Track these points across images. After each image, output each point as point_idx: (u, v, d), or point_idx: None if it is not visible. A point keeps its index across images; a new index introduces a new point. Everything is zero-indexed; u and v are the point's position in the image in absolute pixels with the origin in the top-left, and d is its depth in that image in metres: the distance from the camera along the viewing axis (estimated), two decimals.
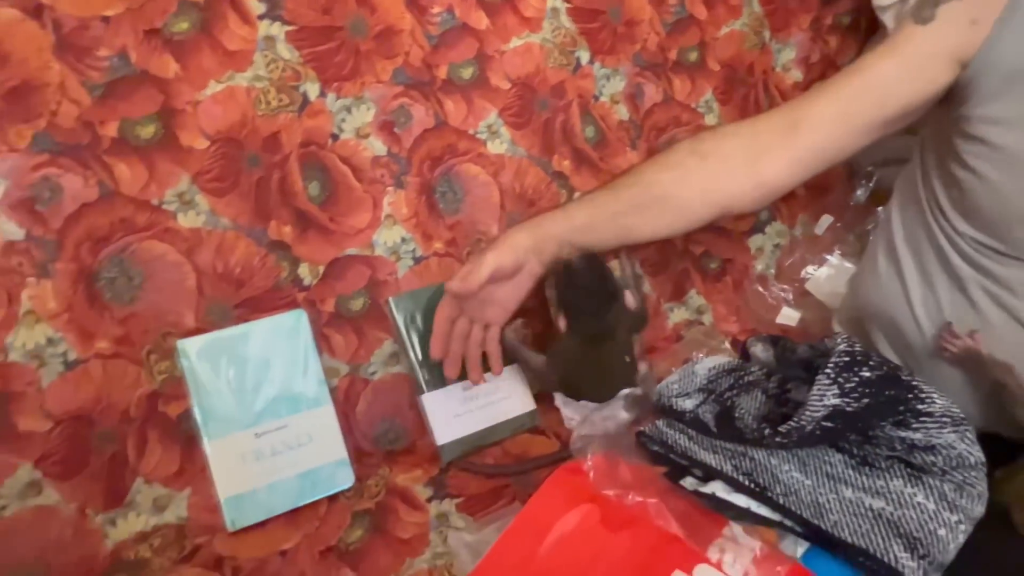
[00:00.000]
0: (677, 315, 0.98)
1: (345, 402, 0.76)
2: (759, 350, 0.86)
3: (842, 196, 1.05)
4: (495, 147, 0.85)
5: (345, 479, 0.72)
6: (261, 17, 0.73)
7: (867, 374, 0.62)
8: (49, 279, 0.64)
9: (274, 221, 0.74)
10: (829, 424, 0.63)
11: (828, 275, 1.04)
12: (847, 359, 0.63)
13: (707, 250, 1.02)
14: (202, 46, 0.70)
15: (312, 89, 0.75)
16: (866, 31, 1.15)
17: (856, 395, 0.61)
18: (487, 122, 0.85)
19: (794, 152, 0.72)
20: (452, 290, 0.69)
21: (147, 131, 0.69)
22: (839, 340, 0.65)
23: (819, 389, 0.62)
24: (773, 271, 1.06)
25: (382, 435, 0.78)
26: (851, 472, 0.66)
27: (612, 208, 0.72)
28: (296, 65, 0.74)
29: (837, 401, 0.62)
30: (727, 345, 0.92)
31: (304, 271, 0.75)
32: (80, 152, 0.66)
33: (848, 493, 0.64)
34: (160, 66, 0.69)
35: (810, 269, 1.04)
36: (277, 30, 0.73)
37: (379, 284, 0.79)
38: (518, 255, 0.71)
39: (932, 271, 0.73)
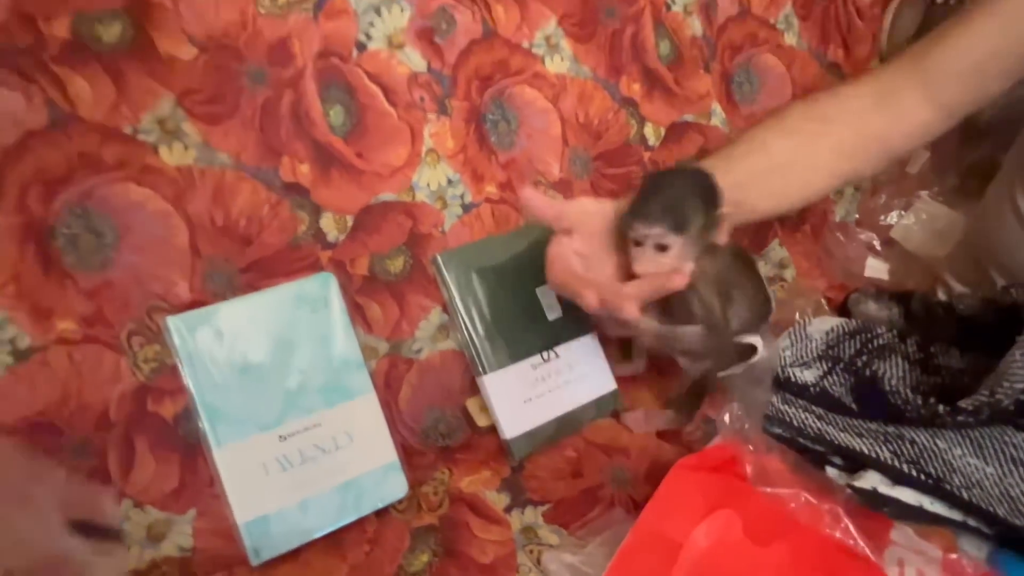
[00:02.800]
0: None
1: (386, 389, 0.60)
2: (872, 308, 0.72)
3: None
4: (554, 65, 0.68)
5: (397, 488, 0.56)
6: None
7: None
8: None
9: (287, 157, 0.56)
10: None
11: (920, 219, 0.90)
12: None
13: None
14: None
15: None
16: None
17: None
18: (545, 32, 0.68)
19: (931, 111, 0.59)
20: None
21: (111, 32, 0.50)
22: None
23: (1023, 355, 0.48)
24: (857, 215, 0.92)
25: (431, 427, 0.62)
26: None
27: (730, 177, 0.56)
28: None
29: None
30: (823, 304, 0.78)
31: (328, 223, 0.58)
32: (18, 60, 0.47)
33: None
34: None
35: (899, 213, 0.91)
36: None
37: (422, 238, 0.62)
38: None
39: None
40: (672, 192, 0.52)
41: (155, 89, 0.52)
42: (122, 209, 0.51)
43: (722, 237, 0.55)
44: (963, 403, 0.51)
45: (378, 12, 0.59)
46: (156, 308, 0.52)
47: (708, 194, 0.53)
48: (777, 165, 0.59)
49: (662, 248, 0.52)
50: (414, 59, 0.61)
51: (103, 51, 0.50)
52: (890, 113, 0.59)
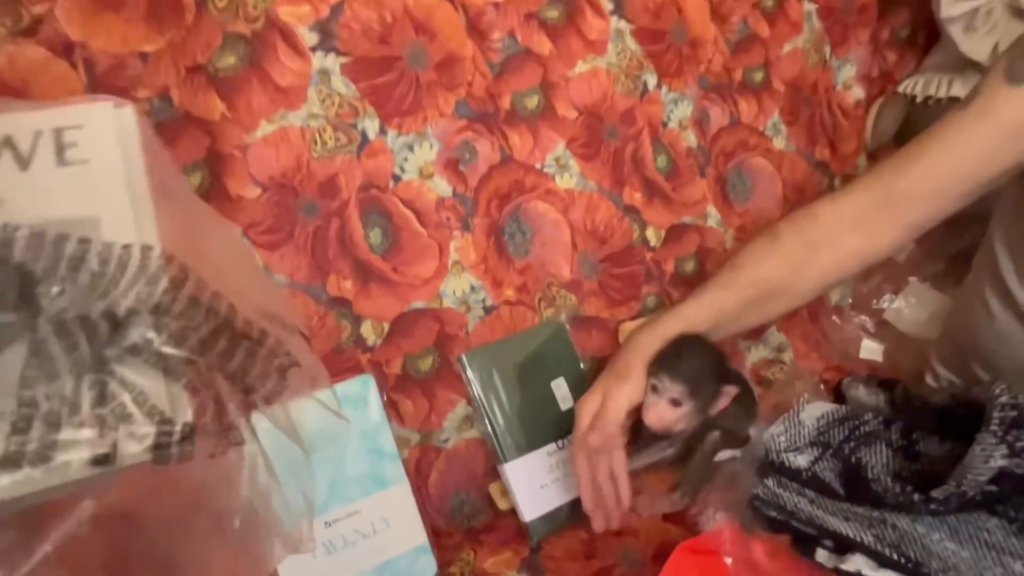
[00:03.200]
0: (755, 354, 0.91)
1: (417, 475, 0.67)
2: (862, 393, 0.78)
3: None
4: (564, 182, 0.78)
5: (427, 568, 0.63)
6: (314, 49, 0.65)
7: None
8: None
9: (333, 275, 0.66)
10: (994, 488, 0.55)
11: (910, 303, 0.96)
12: (1014, 414, 0.55)
13: None
14: (251, 82, 0.63)
15: (371, 126, 0.67)
16: (925, 44, 1.09)
17: None
18: (555, 154, 0.77)
19: (899, 230, 0.68)
20: (591, 444, 0.62)
21: (192, 181, 0.61)
22: (998, 390, 0.57)
23: (983, 449, 0.54)
24: (850, 300, 0.98)
25: (457, 508, 0.69)
26: (1014, 540, 0.57)
27: (732, 308, 0.66)
28: (353, 100, 0.67)
29: (1005, 463, 0.54)
30: (820, 387, 0.84)
31: (368, 329, 0.67)
32: None
33: (1018, 567, 0.55)
34: (205, 107, 0.61)
35: (890, 297, 0.97)
36: (332, 62, 0.66)
37: (449, 339, 0.70)
38: (644, 378, 0.63)
39: None
40: (699, 361, 0.62)
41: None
42: None
43: (721, 405, 0.63)
44: (935, 493, 0.56)
45: (411, 149, 0.69)
46: None
47: (723, 371, 0.63)
48: (774, 290, 0.68)
49: (676, 403, 0.60)
50: (441, 186, 0.71)
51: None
52: (865, 234, 0.67)
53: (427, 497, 0.68)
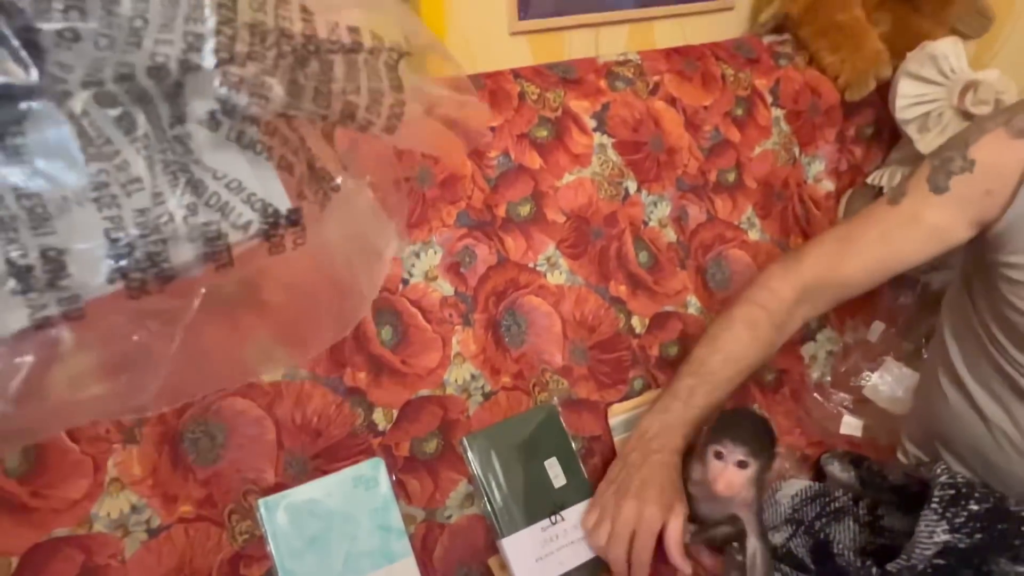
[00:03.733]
0: None
1: (422, 550, 0.74)
2: (836, 469, 0.84)
3: (891, 301, 1.06)
4: (554, 278, 0.87)
5: None
6: None
7: (975, 507, 0.60)
8: (136, 444, 0.64)
9: (349, 368, 0.75)
10: (941, 561, 0.60)
11: (886, 380, 1.03)
12: (952, 492, 0.61)
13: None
14: None
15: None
16: (888, 140, 1.20)
17: (967, 530, 0.59)
18: (546, 255, 0.87)
19: (834, 303, 0.82)
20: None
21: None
22: (938, 471, 0.64)
23: (927, 525, 0.61)
24: (829, 378, 1.05)
25: None
26: None
27: (723, 391, 0.75)
28: None
29: (948, 537, 0.60)
30: (796, 461, 0.90)
31: (379, 416, 0.75)
32: None
33: None
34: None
35: (867, 374, 1.04)
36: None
37: (451, 423, 0.78)
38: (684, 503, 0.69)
39: (1007, 400, 0.73)
40: (755, 426, 0.71)
41: (257, 327, 0.71)
42: (230, 417, 0.69)
43: (776, 466, 0.73)
44: (890, 566, 0.62)
45: (418, 256, 0.79)
46: (250, 491, 0.68)
47: (772, 436, 0.71)
48: (752, 368, 0.78)
49: (743, 465, 0.67)
50: (445, 287, 0.80)
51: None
52: (810, 306, 0.79)
53: (432, 571, 0.74)
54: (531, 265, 0.86)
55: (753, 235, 1.04)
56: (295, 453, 0.71)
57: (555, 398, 0.84)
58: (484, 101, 0.85)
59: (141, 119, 0.15)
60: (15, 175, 0.14)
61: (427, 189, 0.81)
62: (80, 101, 0.14)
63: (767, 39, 1.14)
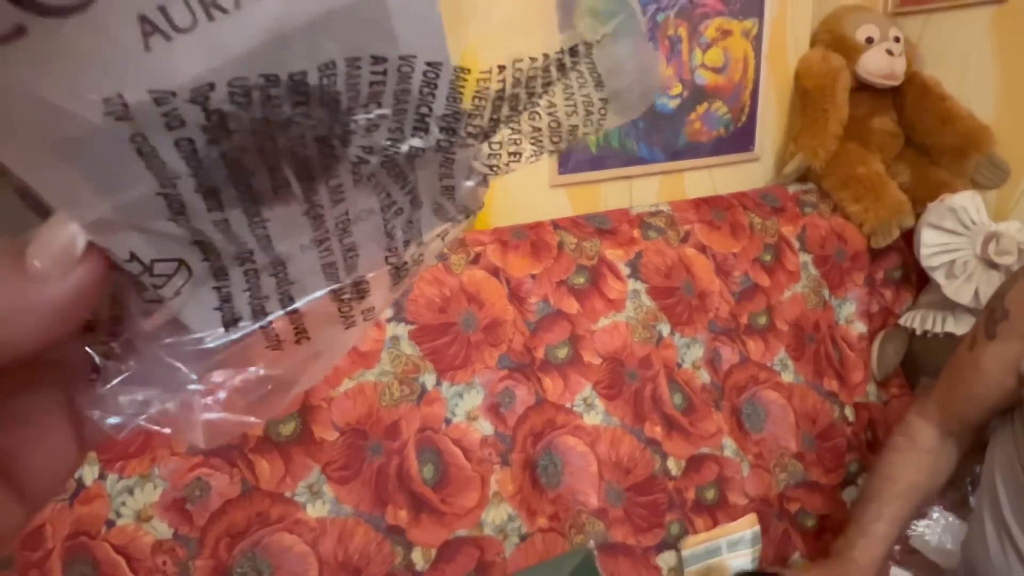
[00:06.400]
0: None
1: None
2: None
3: None
4: (591, 419, 0.90)
5: None
6: (388, 320, 0.83)
7: None
8: None
9: (391, 506, 0.78)
10: None
11: (934, 530, 1.00)
12: None
13: (802, 507, 1.00)
14: None
15: (429, 379, 0.83)
16: (917, 282, 1.23)
17: None
18: (583, 395, 0.91)
19: (963, 443, 0.89)
20: None
21: (288, 427, 0.76)
22: None
23: None
24: None
25: None
26: None
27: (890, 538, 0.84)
28: (416, 359, 0.83)
29: None
30: None
31: (417, 556, 0.77)
32: (228, 451, 0.73)
33: None
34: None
35: (915, 524, 1.01)
36: (401, 330, 0.83)
37: (488, 566, 0.79)
38: None
39: None
40: None
41: (309, 463, 0.76)
42: (277, 552, 0.72)
43: None
44: None
45: (460, 396, 0.84)
46: None
47: None
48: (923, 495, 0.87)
49: None
50: (484, 427, 0.84)
51: (280, 440, 0.75)
52: (944, 452, 0.87)
53: None
54: (568, 405, 0.90)
55: (787, 376, 1.06)
56: None
57: (591, 541, 0.85)
58: (526, 251, 0.93)
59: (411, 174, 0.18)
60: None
61: (471, 333, 0.87)
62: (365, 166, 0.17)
63: (792, 188, 1.21)
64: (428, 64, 0.17)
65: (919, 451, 0.87)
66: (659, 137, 1.14)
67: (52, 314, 0.13)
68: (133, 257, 0.15)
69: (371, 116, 0.16)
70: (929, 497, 0.92)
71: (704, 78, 1.15)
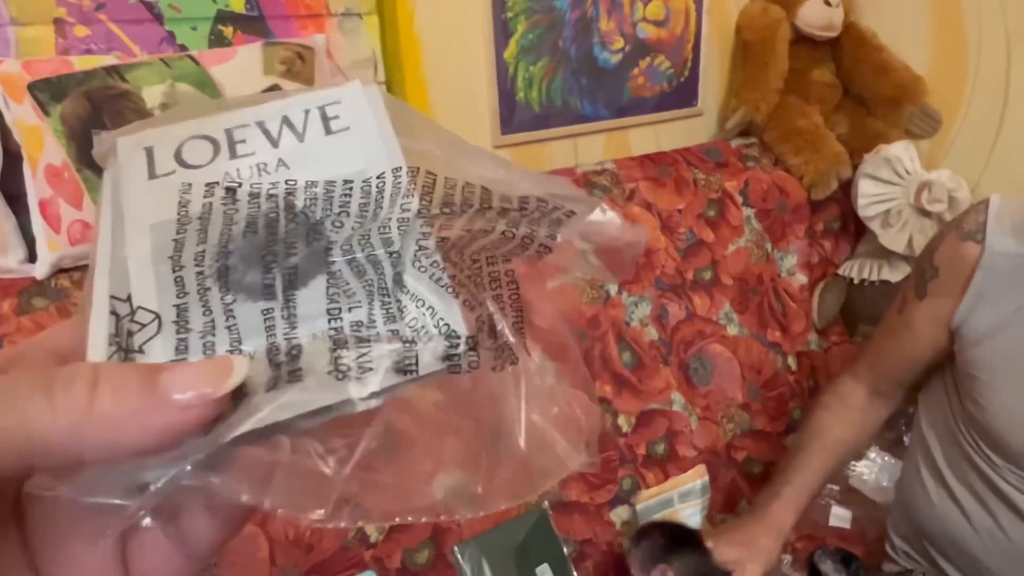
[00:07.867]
0: None
1: None
2: (829, 568, 0.85)
3: None
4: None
5: None
6: None
7: None
8: None
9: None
10: None
11: (871, 469, 1.05)
12: None
13: (749, 455, 1.03)
14: None
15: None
16: (855, 232, 1.26)
17: None
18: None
19: (892, 400, 0.90)
20: None
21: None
22: None
23: None
24: None
25: None
26: None
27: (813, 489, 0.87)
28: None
29: None
30: (788, 557, 0.91)
31: (370, 527, 0.76)
32: None
33: None
34: None
35: (853, 464, 1.06)
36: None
37: (443, 532, 0.79)
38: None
39: (989, 502, 0.75)
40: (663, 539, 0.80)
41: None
42: None
43: None
44: None
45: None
46: None
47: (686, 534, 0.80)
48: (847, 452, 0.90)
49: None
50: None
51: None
52: (877, 405, 0.89)
53: None
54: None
55: (732, 330, 1.08)
56: (288, 570, 0.71)
57: (545, 501, 0.85)
58: None
59: (369, 269, 0.20)
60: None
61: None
62: (336, 260, 0.20)
63: (734, 143, 1.22)
64: None
65: (848, 409, 0.88)
66: (602, 93, 1.12)
67: (162, 434, 0.16)
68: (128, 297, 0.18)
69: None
70: (855, 454, 0.95)
71: (646, 31, 1.13)
